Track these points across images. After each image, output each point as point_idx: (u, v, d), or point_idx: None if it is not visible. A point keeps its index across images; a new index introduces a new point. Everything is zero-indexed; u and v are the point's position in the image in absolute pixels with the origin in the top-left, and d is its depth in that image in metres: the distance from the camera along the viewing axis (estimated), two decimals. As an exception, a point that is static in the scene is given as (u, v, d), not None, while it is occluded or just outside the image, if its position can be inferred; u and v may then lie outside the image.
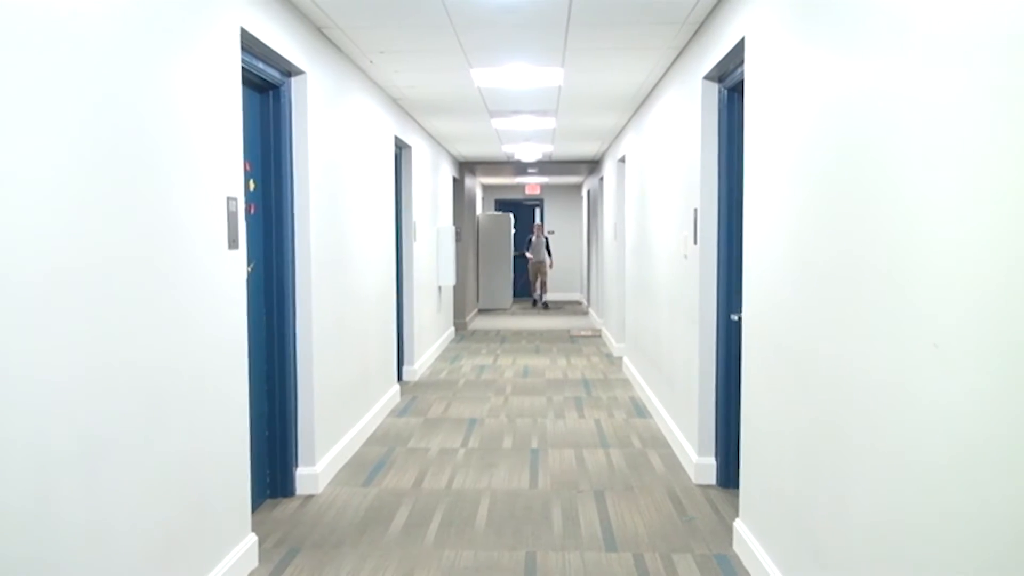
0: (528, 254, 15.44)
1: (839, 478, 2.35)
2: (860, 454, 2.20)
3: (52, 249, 2.03)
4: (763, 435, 3.16)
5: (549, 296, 17.18)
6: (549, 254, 15.27)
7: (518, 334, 11.29)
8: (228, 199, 3.11)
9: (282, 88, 4.05)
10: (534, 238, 15.27)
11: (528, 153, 10.93)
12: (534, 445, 5.31)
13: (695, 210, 4.46)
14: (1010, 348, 1.52)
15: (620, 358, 9.04)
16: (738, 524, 3.49)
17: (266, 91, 4.01)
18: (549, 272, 15.38)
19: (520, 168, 12.61)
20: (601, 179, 11.10)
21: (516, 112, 7.50)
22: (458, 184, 11.88)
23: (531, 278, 15.57)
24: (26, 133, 1.93)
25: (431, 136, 8.93)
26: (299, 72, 4.13)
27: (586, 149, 10.62)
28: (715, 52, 4.00)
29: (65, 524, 2.09)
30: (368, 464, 4.87)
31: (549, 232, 17.57)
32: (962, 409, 1.68)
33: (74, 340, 2.12)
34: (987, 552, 1.60)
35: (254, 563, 3.35)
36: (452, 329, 10.94)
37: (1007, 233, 1.53)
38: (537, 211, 17.62)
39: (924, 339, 1.83)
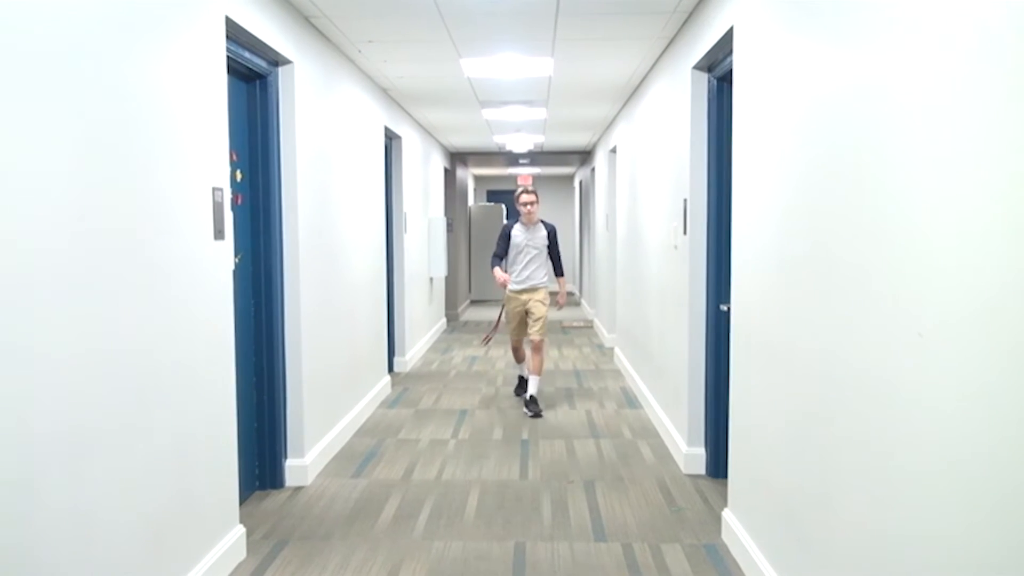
0: (497, 272, 5.96)
1: (824, 468, 2.36)
2: (844, 445, 2.20)
3: (33, 236, 2.00)
4: (751, 425, 3.16)
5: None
6: (558, 268, 6.33)
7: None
8: (214, 189, 3.09)
9: (269, 78, 4.02)
10: (520, 233, 6.15)
11: (519, 144, 10.91)
12: (524, 436, 5.31)
13: (685, 200, 4.45)
14: (995, 337, 1.52)
15: (611, 349, 9.05)
16: (727, 514, 3.50)
17: (253, 80, 3.98)
18: (552, 308, 6.10)
19: (512, 159, 12.59)
20: (593, 170, 11.08)
21: (506, 102, 7.47)
22: (449, 175, 11.85)
23: (510, 328, 6.25)
24: (10, 121, 1.91)
25: (422, 126, 8.89)
26: (286, 62, 4.10)
27: (578, 139, 10.60)
28: (704, 41, 3.98)
29: (49, 513, 2.07)
30: (358, 455, 4.86)
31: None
32: (946, 398, 1.68)
33: (58, 328, 2.10)
34: (972, 545, 1.60)
35: (242, 555, 3.34)
36: (444, 320, 10.93)
37: (995, 225, 1.53)
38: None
39: (908, 329, 1.83)
